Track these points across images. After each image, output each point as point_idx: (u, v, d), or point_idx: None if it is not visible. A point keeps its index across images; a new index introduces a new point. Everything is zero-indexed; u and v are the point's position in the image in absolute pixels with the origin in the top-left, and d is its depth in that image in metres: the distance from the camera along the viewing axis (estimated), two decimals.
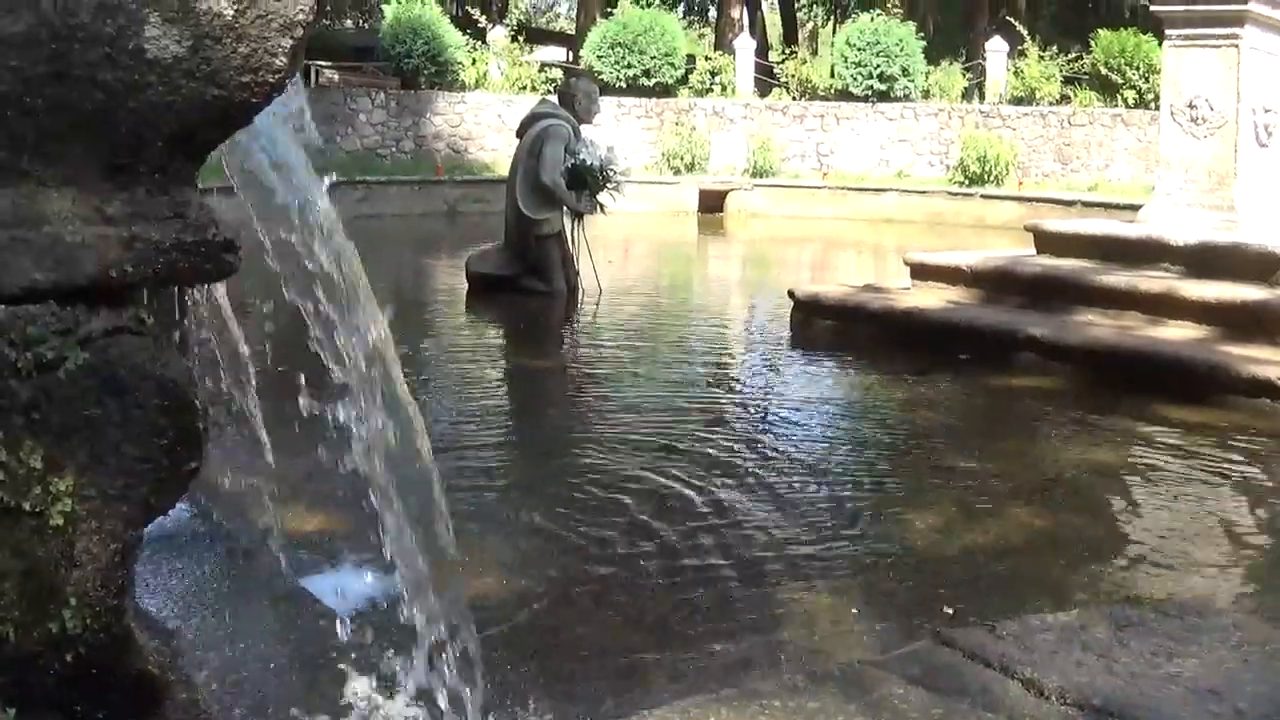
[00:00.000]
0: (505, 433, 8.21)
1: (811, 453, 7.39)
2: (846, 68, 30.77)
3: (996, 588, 5.20)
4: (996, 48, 31.58)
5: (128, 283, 2.17)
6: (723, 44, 38.48)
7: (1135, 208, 13.95)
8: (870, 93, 30.42)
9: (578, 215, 13.60)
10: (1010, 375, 9.48)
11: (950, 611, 4.73)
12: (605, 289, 13.70)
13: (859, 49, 30.61)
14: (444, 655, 3.21)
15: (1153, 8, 11.77)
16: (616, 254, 17.80)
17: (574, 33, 43.88)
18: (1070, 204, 24.24)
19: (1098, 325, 10.15)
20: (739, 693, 3.39)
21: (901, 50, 30.53)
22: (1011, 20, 33.97)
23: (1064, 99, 29.76)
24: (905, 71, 30.49)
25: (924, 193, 27.81)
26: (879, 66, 30.32)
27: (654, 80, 30.90)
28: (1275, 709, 3.18)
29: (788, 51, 36.97)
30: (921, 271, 12.15)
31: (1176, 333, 9.77)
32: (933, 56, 32.00)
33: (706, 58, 34.45)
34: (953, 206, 26.79)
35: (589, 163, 13.15)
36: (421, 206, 25.28)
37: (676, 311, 14.49)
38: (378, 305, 2.87)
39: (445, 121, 29.20)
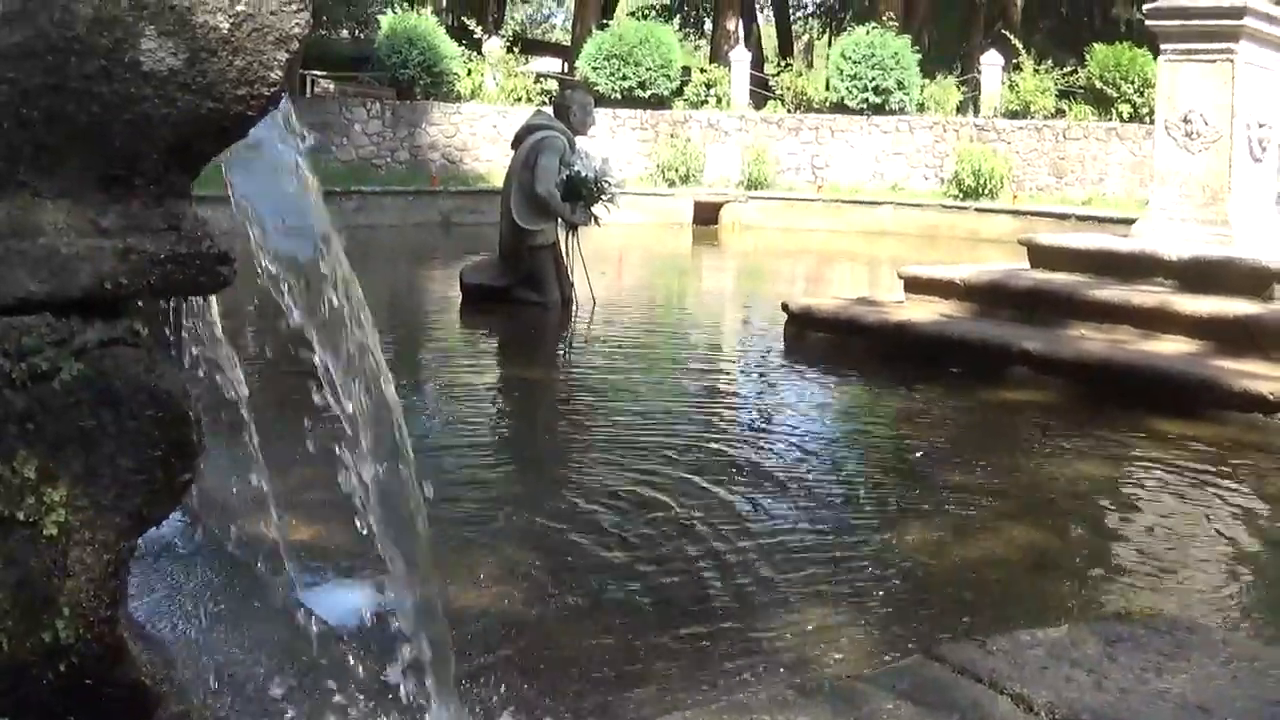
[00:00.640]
0: (498, 443, 8.21)
1: (803, 466, 7.39)
2: (842, 80, 30.80)
3: (987, 602, 5.21)
4: (992, 61, 31.62)
5: (122, 294, 2.17)
6: (718, 56, 38.52)
7: (1129, 222, 13.98)
8: (865, 105, 30.45)
9: (572, 227, 13.60)
10: (1003, 389, 9.49)
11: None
12: (599, 300, 13.70)
13: (854, 62, 30.64)
14: (428, 669, 3.21)
15: (1148, 22, 11.80)
16: (611, 266, 17.82)
17: (569, 44, 43.88)
18: (1064, 218, 24.25)
19: (1091, 339, 10.16)
20: (728, 705, 3.39)
21: (897, 63, 30.56)
22: (1007, 34, 34.08)
23: (1059, 113, 29.79)
24: (900, 84, 30.52)
25: (918, 206, 27.83)
26: (874, 79, 30.35)
27: (649, 92, 30.92)
28: None
29: (783, 64, 36.94)
30: (915, 285, 12.16)
31: (1169, 347, 9.79)
32: (928, 70, 32.02)
33: (702, 70, 34.49)
34: (947, 220, 26.82)
35: (584, 174, 13.16)
36: (416, 217, 25.28)
37: (670, 323, 14.49)
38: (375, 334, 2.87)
39: (440, 132, 29.20)
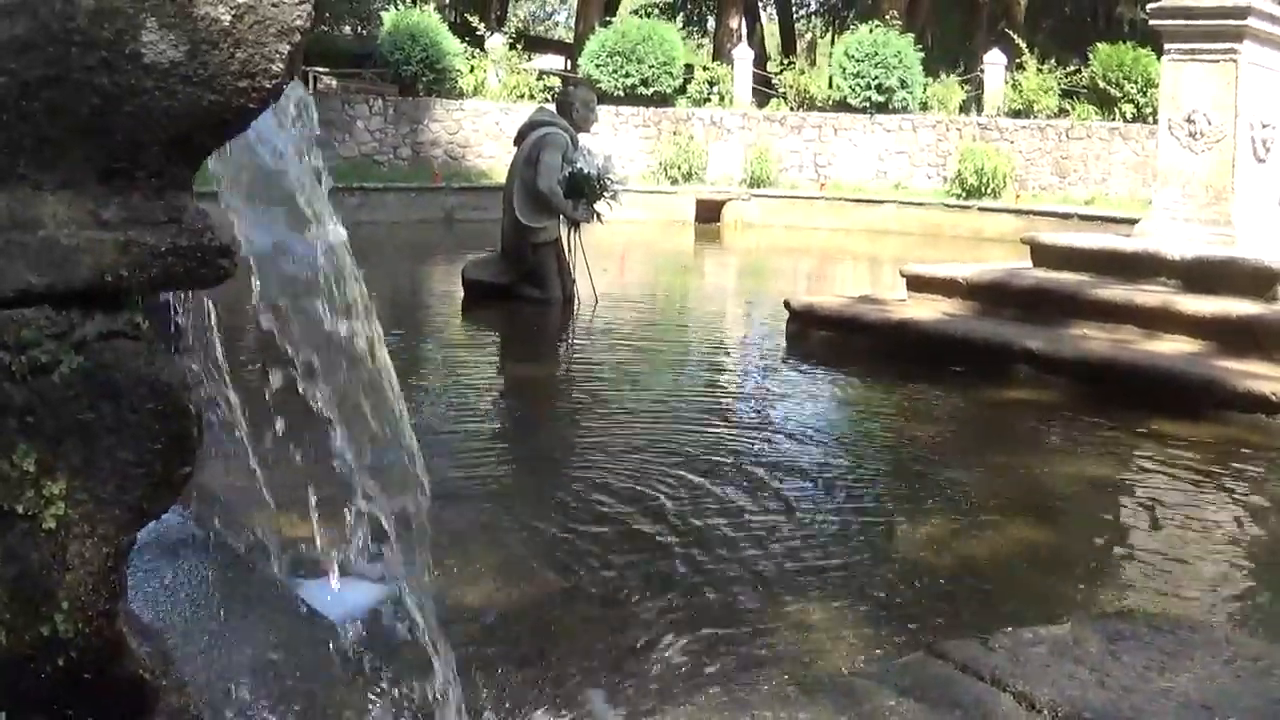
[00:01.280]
0: (499, 440, 8.20)
1: (804, 463, 7.38)
2: (845, 79, 30.79)
3: (989, 600, 5.20)
4: (995, 60, 31.60)
5: (123, 287, 2.16)
6: (721, 54, 38.50)
7: (1132, 221, 13.96)
8: (868, 104, 30.44)
9: (574, 224, 13.60)
10: (1005, 388, 9.49)
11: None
12: (601, 298, 13.70)
13: (857, 60, 30.63)
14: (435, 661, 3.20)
15: (1151, 22, 11.78)
16: (613, 263, 17.82)
17: (572, 41, 43.90)
18: (1067, 217, 24.25)
19: (1093, 339, 10.15)
20: (730, 702, 3.39)
21: (900, 62, 30.55)
22: (1010, 33, 34.04)
23: (1062, 112, 29.78)
24: (903, 83, 30.51)
25: (921, 204, 27.82)
26: (877, 78, 30.34)
27: (652, 89, 30.90)
28: None
29: (786, 62, 36.91)
30: (918, 283, 12.15)
31: (1172, 347, 9.78)
32: (931, 68, 32.00)
33: (705, 67, 34.48)
34: (950, 218, 26.81)
35: (586, 171, 13.15)
36: (419, 213, 25.27)
37: (672, 321, 14.49)
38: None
39: (443, 128, 29.19)
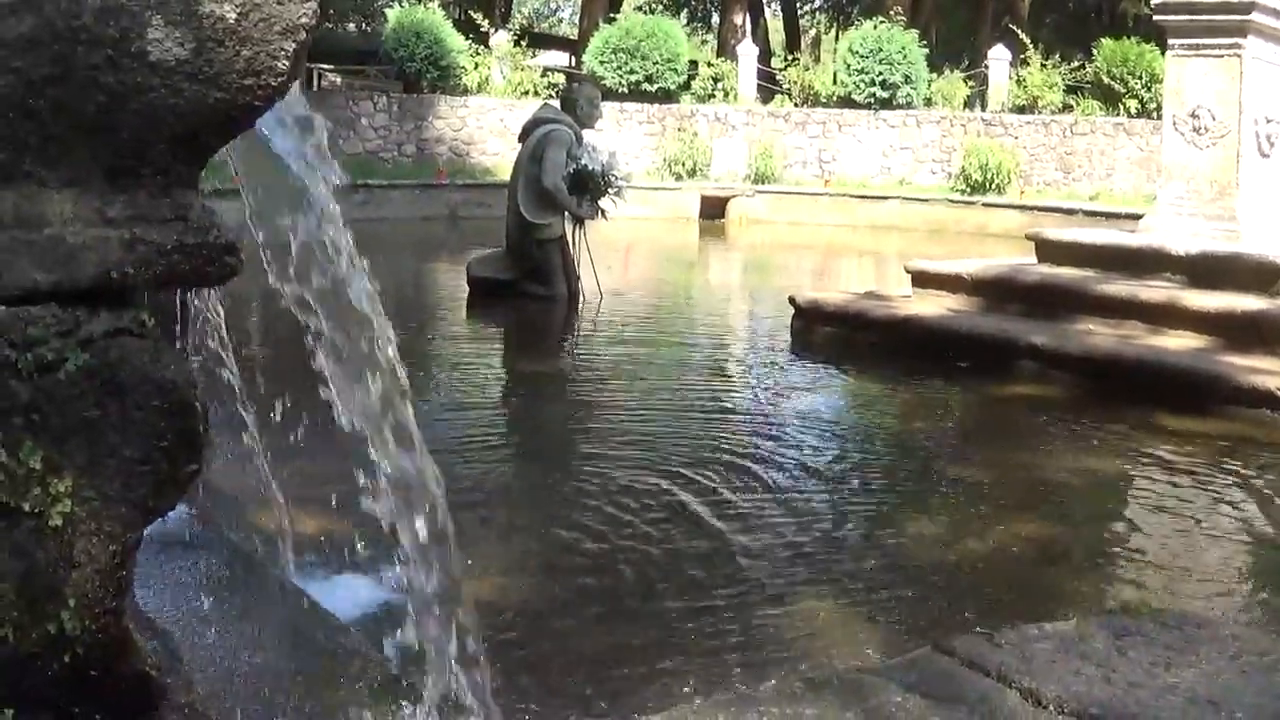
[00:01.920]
0: (505, 437, 8.21)
1: (810, 460, 7.38)
2: (849, 75, 30.75)
3: (995, 596, 5.21)
4: (999, 56, 31.56)
5: (129, 284, 2.17)
6: (725, 50, 38.46)
7: (1137, 217, 13.95)
8: (873, 100, 30.40)
9: (579, 220, 13.59)
10: (1010, 384, 9.49)
11: None
12: (606, 294, 13.69)
13: (862, 56, 30.59)
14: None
15: (1156, 17, 11.77)
16: (617, 259, 17.80)
17: (576, 38, 43.87)
18: (1072, 213, 24.22)
19: (1098, 334, 10.15)
20: (736, 698, 3.39)
21: (904, 58, 30.51)
22: (1014, 28, 34.00)
23: (1066, 108, 29.74)
24: (908, 79, 30.47)
25: (926, 200, 27.79)
26: (881, 74, 30.30)
27: (656, 86, 30.86)
28: None
29: (790, 58, 36.91)
30: (922, 279, 12.14)
31: (1177, 342, 9.77)
32: (935, 64, 31.96)
33: (709, 64, 34.42)
34: (954, 214, 26.78)
35: (591, 168, 13.15)
36: (423, 210, 25.26)
37: (677, 317, 14.48)
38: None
39: (447, 125, 29.18)
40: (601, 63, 31.02)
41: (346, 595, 4.64)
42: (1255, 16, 10.99)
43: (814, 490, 6.77)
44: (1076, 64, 30.40)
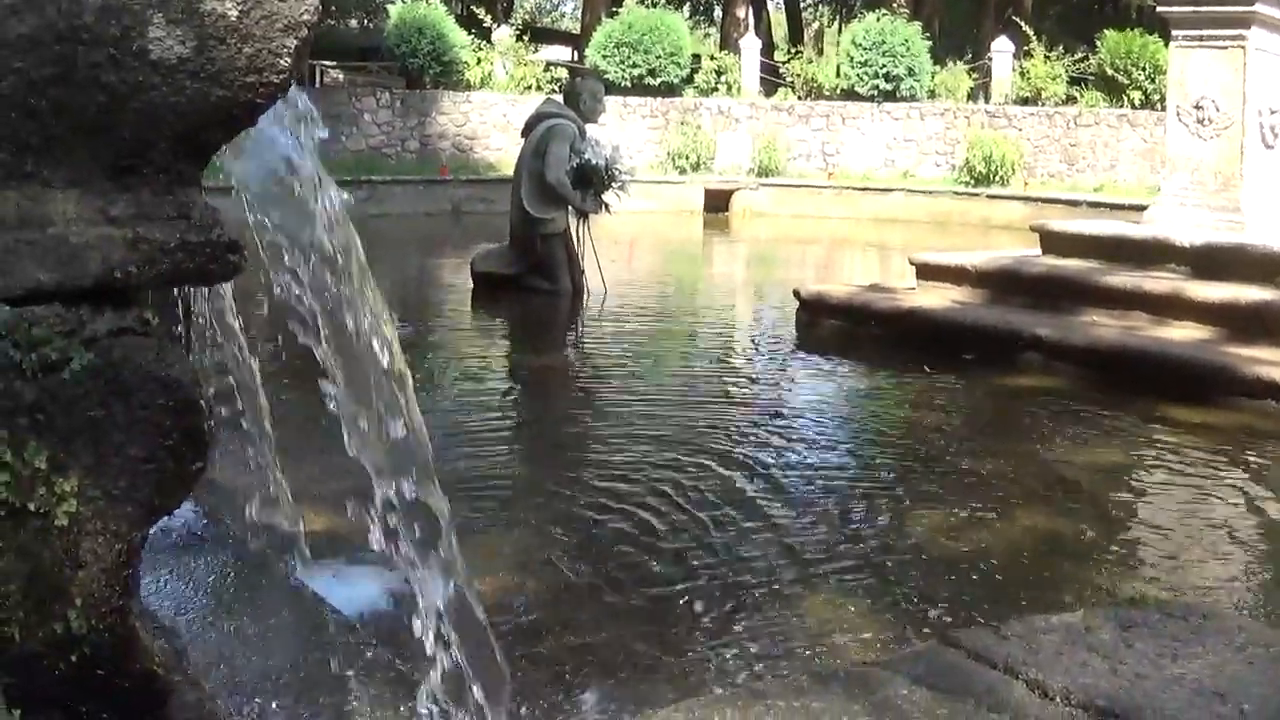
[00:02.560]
0: (509, 431, 8.20)
1: (816, 452, 7.38)
2: (852, 67, 30.71)
3: (1001, 588, 5.20)
4: (1002, 48, 31.52)
5: (132, 283, 2.17)
6: (728, 43, 38.44)
7: (1141, 208, 13.95)
8: (876, 93, 30.36)
9: (583, 215, 13.57)
10: (1015, 375, 9.48)
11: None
12: (610, 288, 13.67)
13: (865, 49, 30.55)
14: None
15: (1159, 9, 11.76)
16: (621, 253, 17.80)
17: (579, 32, 43.81)
18: (1076, 204, 24.18)
19: (1103, 326, 10.14)
20: (744, 692, 3.39)
21: (907, 50, 30.47)
22: (1018, 20, 33.99)
23: (1070, 99, 29.69)
24: (911, 71, 30.43)
25: (930, 193, 27.75)
26: (885, 66, 30.26)
27: (659, 80, 30.82)
28: None
29: (793, 51, 36.85)
30: (927, 271, 12.14)
31: (1182, 334, 9.77)
32: (939, 56, 31.93)
33: (712, 57, 34.37)
34: (958, 206, 26.75)
35: (594, 162, 13.14)
36: (426, 206, 25.24)
37: (681, 311, 14.48)
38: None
39: (450, 121, 29.15)
40: (604, 57, 30.98)
41: (353, 592, 4.64)
42: (1259, 8, 10.97)
43: (819, 483, 6.77)
44: (1080, 55, 30.36)
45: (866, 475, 7.05)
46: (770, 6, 55.08)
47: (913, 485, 6.80)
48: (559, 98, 15.00)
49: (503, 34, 31.78)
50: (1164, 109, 12.63)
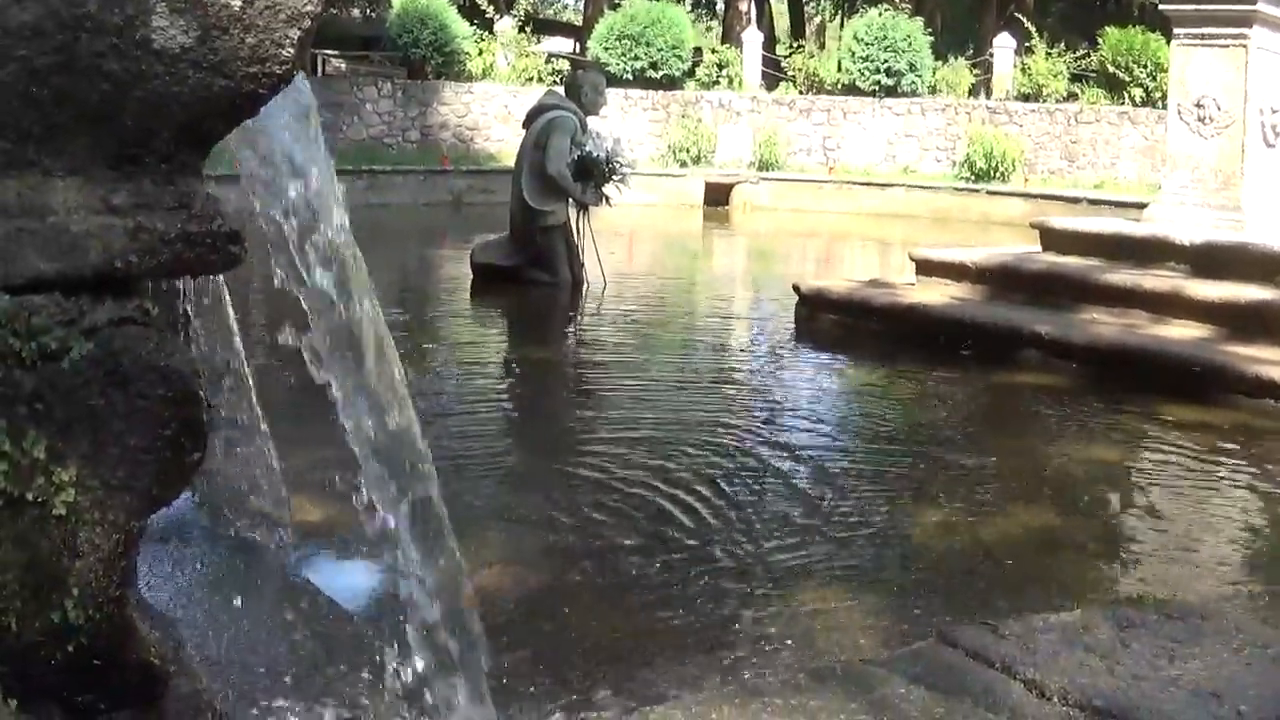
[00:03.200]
0: (508, 423, 8.21)
1: (814, 448, 7.38)
2: (854, 62, 30.69)
3: (999, 587, 5.20)
4: (1004, 44, 31.48)
5: (133, 273, 2.16)
6: (730, 37, 38.43)
7: (1141, 206, 13.96)
8: (877, 88, 30.34)
9: (583, 207, 13.57)
10: (1014, 372, 9.48)
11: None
12: (610, 281, 13.67)
13: (866, 44, 30.53)
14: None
15: (1161, 6, 11.75)
16: (621, 246, 17.80)
17: (581, 24, 43.80)
18: (1076, 201, 24.18)
19: (1102, 323, 10.14)
20: (741, 689, 3.39)
21: (909, 46, 30.45)
22: (1019, 17, 33.93)
23: (1071, 96, 29.67)
24: (912, 67, 30.40)
25: (930, 188, 27.73)
26: (886, 61, 30.24)
27: (661, 72, 30.79)
28: (1277, 712, 3.18)
29: (795, 45, 36.80)
30: (927, 267, 12.14)
31: (1181, 332, 9.77)
32: (940, 52, 31.90)
33: (713, 50, 34.35)
34: (959, 202, 26.74)
35: (595, 154, 13.14)
36: (427, 196, 25.23)
37: (681, 304, 14.47)
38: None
39: (451, 112, 29.13)
40: (606, 49, 30.95)
41: (349, 583, 4.63)
42: (1261, 6, 10.97)
43: (817, 479, 6.76)
44: (1081, 52, 30.33)
45: (865, 472, 7.04)
46: (772, 0, 55.04)
47: (911, 482, 6.80)
48: (560, 89, 14.99)
49: (505, 25, 31.74)
50: (1165, 107, 12.63)
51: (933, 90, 30.86)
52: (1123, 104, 28.63)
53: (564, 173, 13.13)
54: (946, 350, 9.92)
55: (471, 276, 13.76)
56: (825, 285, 12.24)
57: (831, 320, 11.50)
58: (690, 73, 31.90)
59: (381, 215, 21.17)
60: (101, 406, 2.12)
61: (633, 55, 30.66)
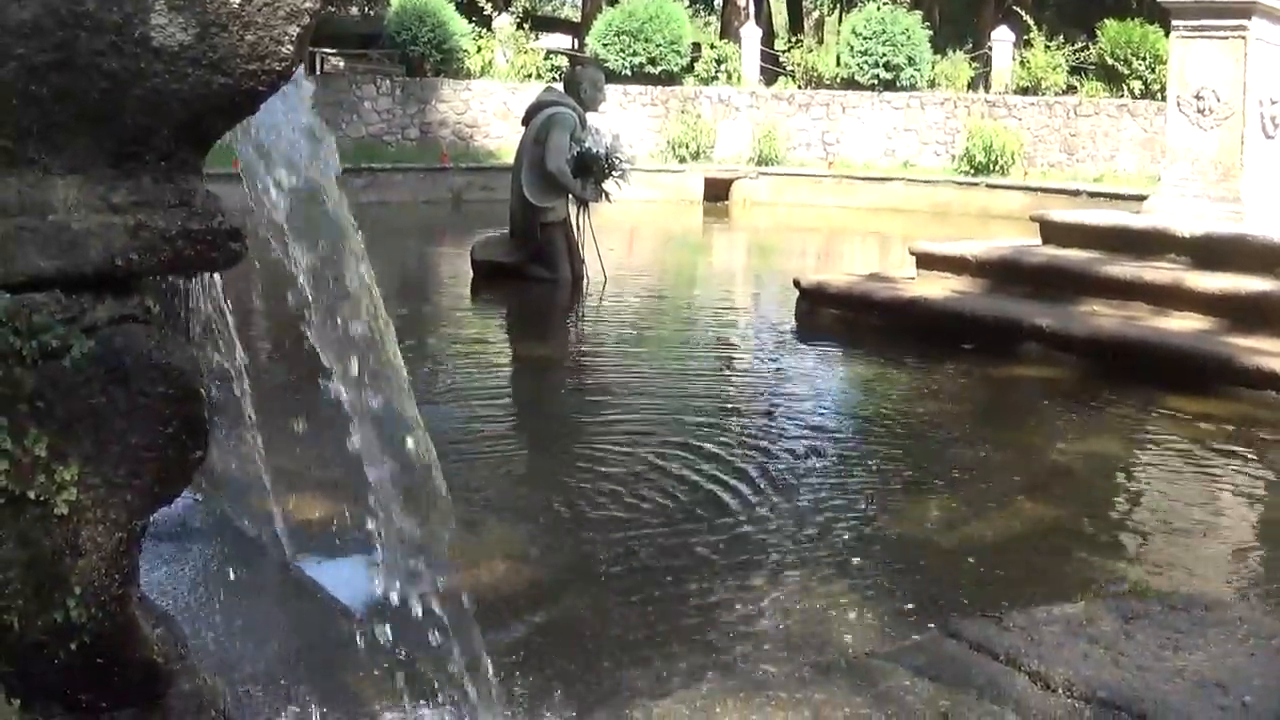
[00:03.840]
0: (508, 420, 8.20)
1: (816, 443, 7.37)
2: (852, 56, 30.66)
3: (1003, 579, 5.19)
4: (1003, 37, 31.45)
5: (133, 271, 2.16)
6: (729, 32, 38.40)
7: (1141, 198, 13.93)
8: (876, 82, 30.31)
9: (583, 203, 13.56)
10: (1015, 365, 9.48)
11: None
12: (610, 277, 13.65)
13: (865, 38, 30.50)
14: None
15: None
16: (621, 242, 17.79)
17: (580, 20, 43.78)
18: (1076, 194, 24.16)
19: (1103, 316, 10.13)
20: (747, 683, 3.39)
21: (908, 39, 30.42)
22: (1018, 10, 33.92)
23: (1070, 89, 29.64)
24: (911, 61, 30.38)
25: (930, 182, 27.70)
26: (885, 55, 30.21)
27: (660, 68, 30.78)
28: None
29: (794, 40, 36.78)
30: (927, 261, 12.13)
31: (1182, 324, 9.76)
32: (939, 46, 31.88)
33: (712, 46, 34.33)
34: (958, 196, 26.70)
35: (594, 150, 13.12)
36: (426, 194, 25.21)
37: (681, 300, 14.47)
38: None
39: (451, 109, 29.11)
40: (605, 45, 30.93)
41: (349, 579, 4.63)
42: None
43: (819, 473, 6.76)
44: (1080, 45, 30.30)
45: (866, 465, 7.05)
46: None
47: (913, 475, 6.80)
48: (559, 86, 14.98)
49: (503, 22, 31.73)
50: (1164, 99, 12.63)
51: (932, 84, 30.84)
52: (1122, 96, 28.60)
53: (564, 169, 13.12)
54: (947, 344, 9.92)
55: (472, 273, 13.75)
56: (825, 279, 12.23)
57: (832, 315, 11.49)
58: (689, 68, 31.89)
59: (381, 213, 21.16)
60: (103, 404, 2.12)
61: (631, 51, 30.64)
